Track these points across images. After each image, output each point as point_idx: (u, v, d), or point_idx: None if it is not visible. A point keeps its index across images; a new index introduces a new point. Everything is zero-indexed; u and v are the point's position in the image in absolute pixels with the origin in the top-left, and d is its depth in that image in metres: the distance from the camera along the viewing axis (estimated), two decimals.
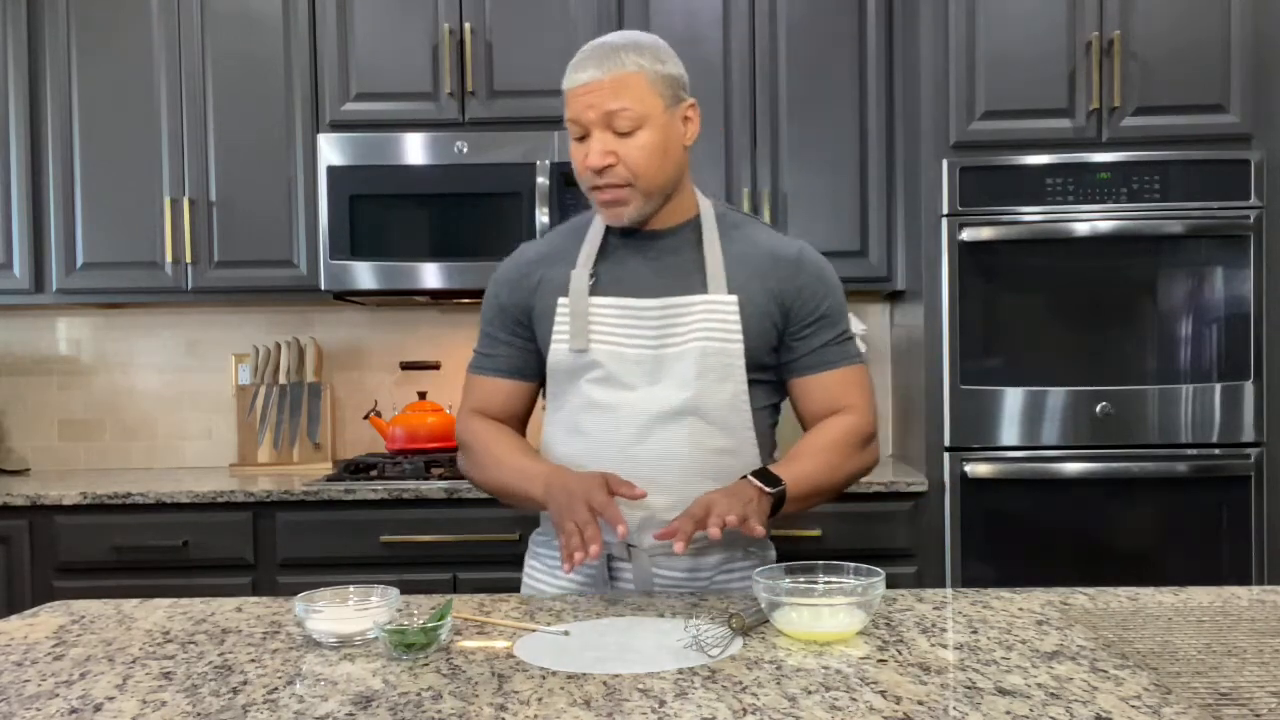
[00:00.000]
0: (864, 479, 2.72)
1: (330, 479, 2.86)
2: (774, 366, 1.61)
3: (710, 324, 1.54)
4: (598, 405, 1.54)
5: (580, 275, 1.57)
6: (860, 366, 1.63)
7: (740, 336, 1.54)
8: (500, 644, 1.22)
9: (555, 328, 1.57)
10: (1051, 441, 2.69)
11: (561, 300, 1.57)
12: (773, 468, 1.49)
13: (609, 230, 1.60)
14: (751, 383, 1.56)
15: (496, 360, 1.65)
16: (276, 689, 1.07)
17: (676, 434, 1.52)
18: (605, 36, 1.54)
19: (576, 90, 1.49)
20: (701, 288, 1.56)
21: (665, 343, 1.54)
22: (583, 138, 1.51)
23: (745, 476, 1.46)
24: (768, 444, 1.63)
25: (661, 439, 1.52)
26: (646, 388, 1.54)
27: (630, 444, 1.52)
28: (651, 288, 1.56)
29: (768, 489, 1.44)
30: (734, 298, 1.55)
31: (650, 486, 1.48)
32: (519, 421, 1.68)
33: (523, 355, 1.64)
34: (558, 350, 1.57)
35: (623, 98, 1.47)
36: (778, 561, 1.32)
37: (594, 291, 1.57)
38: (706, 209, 1.61)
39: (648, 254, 1.59)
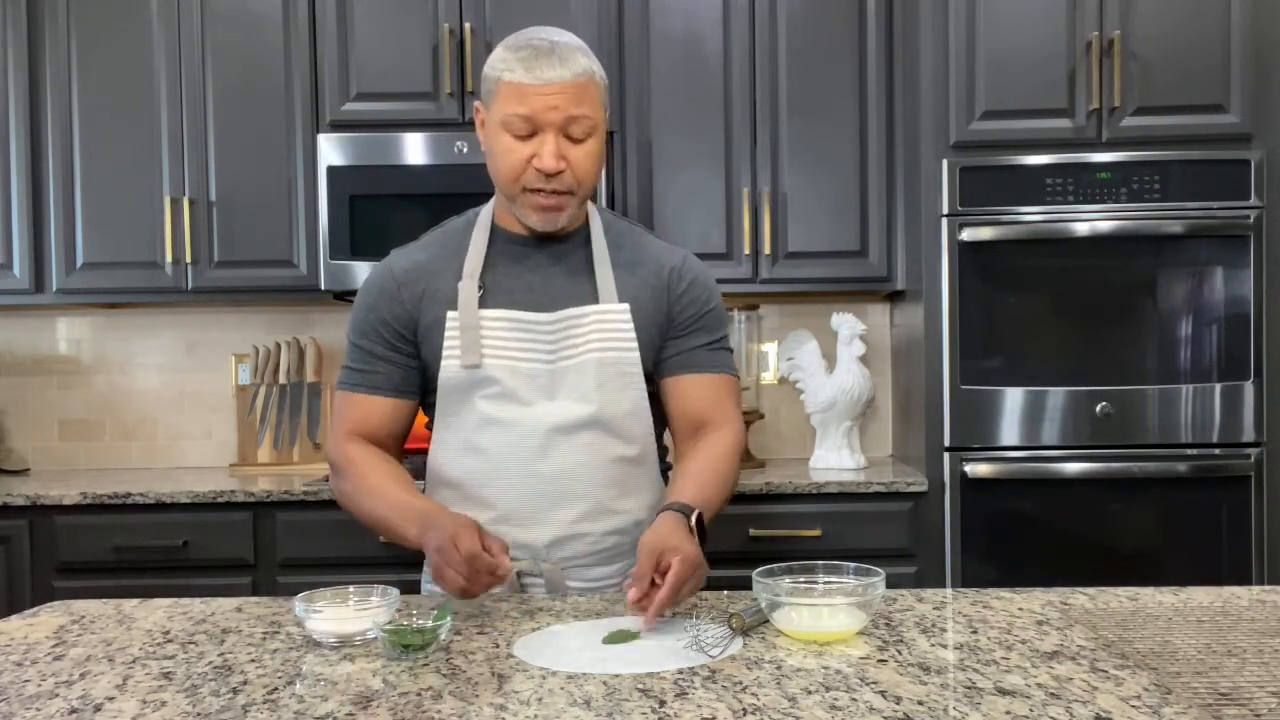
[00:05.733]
0: (855, 481, 2.75)
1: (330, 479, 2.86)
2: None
3: (605, 333, 1.52)
4: (495, 422, 1.50)
5: (469, 287, 1.52)
6: (733, 378, 1.63)
7: (635, 344, 1.54)
8: (500, 644, 1.22)
9: (446, 343, 1.51)
10: (1051, 441, 2.69)
11: (451, 314, 1.51)
12: (684, 497, 1.43)
13: (495, 237, 1.57)
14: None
15: (374, 377, 1.56)
16: (276, 689, 1.07)
17: (578, 446, 1.50)
18: (544, 32, 1.49)
19: (539, 88, 1.43)
20: (592, 297, 1.54)
21: (561, 355, 1.52)
22: (528, 135, 1.46)
23: (671, 510, 1.39)
24: (660, 451, 1.63)
25: (564, 453, 1.49)
26: (545, 402, 1.51)
27: (533, 459, 1.49)
28: (543, 300, 1.53)
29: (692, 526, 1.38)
30: (625, 306, 1.54)
31: (557, 501, 1.49)
32: (397, 441, 1.61)
33: (402, 372, 1.56)
34: (449, 366, 1.51)
35: (584, 104, 1.45)
36: (767, 564, 1.31)
37: (483, 303, 1.51)
38: (594, 216, 1.61)
39: (538, 262, 1.55)
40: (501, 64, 1.46)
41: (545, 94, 1.43)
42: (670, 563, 1.27)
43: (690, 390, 1.59)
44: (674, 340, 1.59)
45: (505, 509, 1.52)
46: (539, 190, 1.47)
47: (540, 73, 1.43)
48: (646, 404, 1.57)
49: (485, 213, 1.60)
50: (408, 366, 1.56)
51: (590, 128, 1.47)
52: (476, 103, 1.54)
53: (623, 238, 1.61)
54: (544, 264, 1.56)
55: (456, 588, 1.30)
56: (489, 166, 1.54)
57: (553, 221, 1.51)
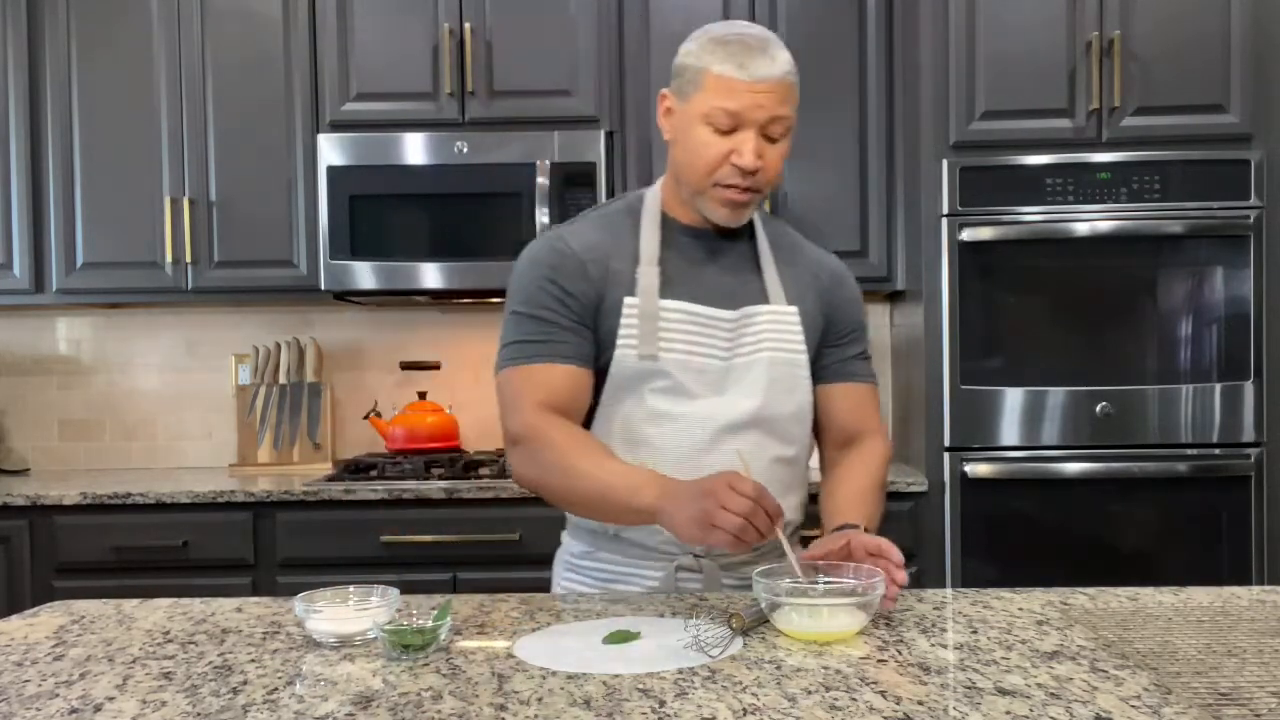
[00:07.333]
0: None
1: (330, 479, 2.86)
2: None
3: (777, 334, 1.52)
4: (662, 415, 1.48)
5: (649, 274, 1.49)
6: (877, 387, 1.67)
7: (804, 348, 1.54)
8: (500, 644, 1.22)
9: (622, 330, 1.48)
10: (1051, 441, 2.69)
11: (629, 300, 1.48)
12: (850, 517, 1.46)
13: (665, 225, 1.54)
14: None
15: (561, 347, 1.47)
16: (276, 689, 1.07)
17: (742, 444, 1.48)
18: (745, 25, 1.47)
19: (751, 85, 1.41)
20: (762, 296, 1.54)
21: (735, 353, 1.51)
22: (729, 131, 1.43)
23: (849, 529, 1.42)
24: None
25: (729, 449, 1.47)
26: (713, 397, 1.49)
27: (698, 454, 1.47)
28: (720, 295, 1.51)
29: None
30: (795, 309, 1.54)
31: None
32: (581, 416, 1.51)
33: (587, 344, 1.49)
34: (625, 356, 1.47)
35: (786, 105, 1.45)
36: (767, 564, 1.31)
37: (660, 292, 1.48)
38: (755, 215, 1.60)
39: (710, 255, 1.54)
40: (709, 55, 1.43)
41: (756, 92, 1.41)
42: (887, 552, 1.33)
43: (845, 399, 1.61)
44: (831, 349, 1.61)
45: None
46: (732, 186, 1.46)
47: (753, 70, 1.41)
48: (811, 407, 1.57)
49: (652, 199, 1.57)
50: (590, 341, 1.50)
51: (787, 129, 1.46)
52: (664, 90, 1.51)
53: (780, 237, 1.61)
54: (716, 257, 1.54)
55: (729, 534, 1.24)
56: (675, 155, 1.51)
57: (738, 218, 1.50)
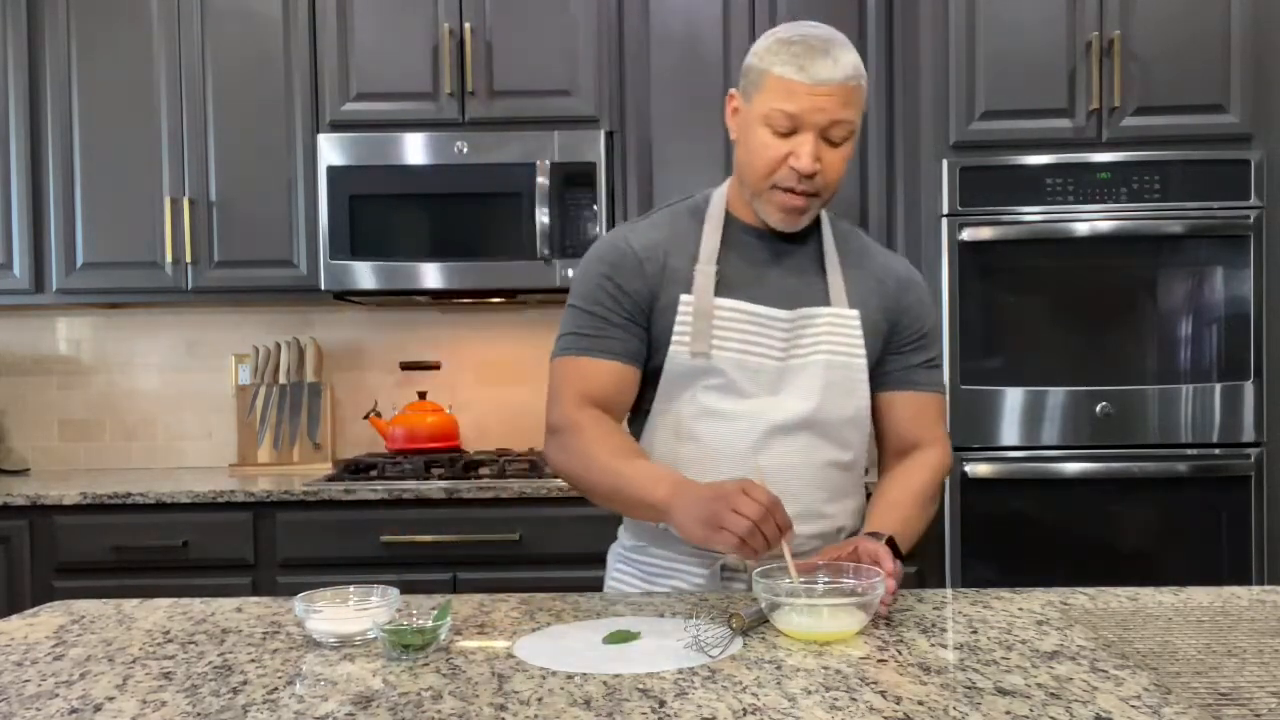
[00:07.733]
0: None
1: (330, 479, 2.86)
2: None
3: (835, 337, 1.51)
4: (713, 413, 1.49)
5: (706, 272, 1.49)
6: (943, 397, 1.64)
7: (864, 352, 1.53)
8: (500, 644, 1.22)
9: (677, 327, 1.49)
10: (1051, 441, 2.69)
11: (685, 297, 1.49)
12: (885, 527, 1.44)
13: (728, 225, 1.54)
14: None
15: (610, 343, 1.50)
16: (276, 689, 1.07)
17: (794, 447, 1.48)
18: (815, 27, 1.45)
19: (810, 88, 1.40)
20: (824, 299, 1.53)
21: (792, 354, 1.50)
22: (788, 133, 1.43)
23: (871, 536, 1.39)
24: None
25: (779, 452, 1.47)
26: (767, 397, 1.49)
27: (751, 453, 1.47)
28: (778, 295, 1.51)
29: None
30: (856, 312, 1.53)
31: None
32: (623, 411, 1.55)
33: (637, 342, 1.51)
34: (677, 353, 1.49)
35: (849, 109, 1.42)
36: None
37: (717, 291, 1.49)
38: (824, 217, 1.59)
39: (772, 256, 1.54)
40: (772, 56, 1.42)
41: (815, 95, 1.40)
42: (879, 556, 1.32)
43: (906, 408, 1.59)
44: (895, 355, 1.59)
45: None
46: (789, 190, 1.46)
47: (813, 72, 1.40)
48: (868, 412, 1.56)
49: (717, 199, 1.57)
50: (641, 339, 1.52)
51: (849, 132, 1.45)
52: (732, 90, 1.51)
53: (847, 240, 1.60)
54: (778, 258, 1.54)
55: (735, 537, 1.25)
56: (738, 156, 1.51)
57: (794, 222, 1.50)
